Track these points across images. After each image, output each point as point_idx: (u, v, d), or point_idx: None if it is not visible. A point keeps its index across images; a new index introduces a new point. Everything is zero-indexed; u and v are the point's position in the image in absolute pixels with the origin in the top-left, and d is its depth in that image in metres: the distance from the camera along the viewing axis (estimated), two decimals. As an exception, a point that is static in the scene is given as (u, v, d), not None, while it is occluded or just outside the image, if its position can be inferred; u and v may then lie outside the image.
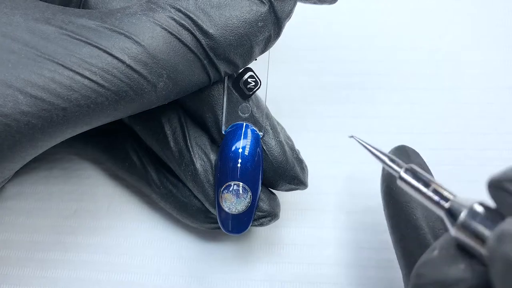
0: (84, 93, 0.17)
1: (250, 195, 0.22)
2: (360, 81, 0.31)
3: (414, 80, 0.31)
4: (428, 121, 0.30)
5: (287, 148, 0.23)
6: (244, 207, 0.22)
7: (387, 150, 0.29)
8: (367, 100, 0.31)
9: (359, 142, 0.19)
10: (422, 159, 0.22)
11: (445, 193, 0.15)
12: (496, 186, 0.14)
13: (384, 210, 0.22)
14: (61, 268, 0.25)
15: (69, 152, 0.29)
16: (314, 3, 0.23)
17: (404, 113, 0.30)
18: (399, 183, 0.16)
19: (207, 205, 0.23)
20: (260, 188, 0.22)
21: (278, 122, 0.24)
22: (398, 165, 0.16)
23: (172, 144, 0.23)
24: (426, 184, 0.15)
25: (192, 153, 0.22)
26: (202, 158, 0.23)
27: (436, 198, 0.15)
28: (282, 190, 0.24)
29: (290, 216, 0.27)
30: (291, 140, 0.24)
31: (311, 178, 0.24)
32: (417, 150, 0.28)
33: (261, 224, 0.23)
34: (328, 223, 0.26)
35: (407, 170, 0.16)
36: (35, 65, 0.17)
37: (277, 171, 0.23)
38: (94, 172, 0.28)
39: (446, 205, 0.15)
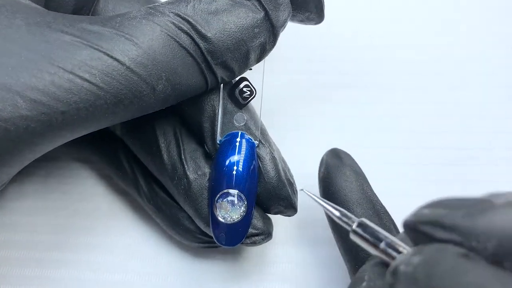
0: (83, 96, 0.17)
1: (246, 204, 0.21)
2: (358, 81, 0.31)
3: (413, 79, 0.31)
4: (427, 120, 0.29)
5: (280, 167, 0.23)
6: (239, 216, 0.21)
7: (387, 149, 0.29)
8: (365, 100, 0.31)
9: (309, 195, 0.20)
10: (354, 160, 0.24)
11: (396, 248, 0.15)
12: (411, 228, 0.14)
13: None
14: (61, 268, 0.25)
15: (68, 153, 0.29)
16: (300, 22, 0.23)
17: (403, 112, 0.30)
18: (352, 236, 0.16)
19: (198, 221, 0.23)
20: (255, 197, 0.22)
21: (274, 142, 0.24)
22: (350, 219, 0.17)
23: (165, 157, 0.23)
24: (377, 238, 0.15)
25: (186, 167, 0.22)
26: (196, 171, 0.22)
27: (388, 252, 0.15)
28: (272, 213, 0.23)
29: (283, 233, 0.26)
30: (285, 163, 0.24)
31: (306, 184, 0.23)
32: (417, 150, 0.28)
33: (254, 243, 0.23)
34: (323, 240, 0.25)
35: (359, 224, 0.16)
36: (35, 68, 0.17)
37: (267, 187, 0.22)
38: (93, 172, 0.28)
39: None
